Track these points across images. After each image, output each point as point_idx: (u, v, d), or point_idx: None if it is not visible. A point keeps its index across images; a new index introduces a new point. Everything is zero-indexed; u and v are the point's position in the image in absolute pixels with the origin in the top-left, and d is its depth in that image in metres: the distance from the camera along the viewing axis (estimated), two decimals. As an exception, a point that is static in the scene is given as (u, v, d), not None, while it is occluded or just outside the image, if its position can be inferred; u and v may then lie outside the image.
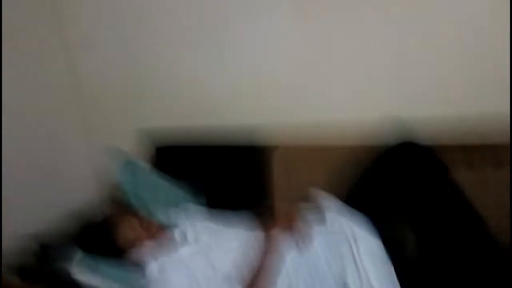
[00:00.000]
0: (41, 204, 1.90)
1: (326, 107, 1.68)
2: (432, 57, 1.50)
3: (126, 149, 1.72)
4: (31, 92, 1.93)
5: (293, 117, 1.73)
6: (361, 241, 1.32)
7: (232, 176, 1.74)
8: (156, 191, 1.66)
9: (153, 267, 1.35)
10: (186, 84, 1.91)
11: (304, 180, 1.60)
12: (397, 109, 1.55)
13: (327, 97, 1.67)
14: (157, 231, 1.40)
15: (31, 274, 1.50)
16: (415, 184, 1.33)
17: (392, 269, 1.26)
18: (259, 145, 1.72)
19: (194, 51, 1.84)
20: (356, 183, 1.49)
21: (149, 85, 1.99)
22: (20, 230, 1.73)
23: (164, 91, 1.96)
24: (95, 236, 1.40)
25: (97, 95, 2.12)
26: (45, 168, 1.96)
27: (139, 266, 1.37)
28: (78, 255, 1.38)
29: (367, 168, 1.47)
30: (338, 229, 1.38)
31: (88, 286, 1.34)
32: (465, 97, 1.49)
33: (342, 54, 1.61)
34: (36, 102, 1.95)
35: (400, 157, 1.39)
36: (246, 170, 1.72)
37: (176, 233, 1.50)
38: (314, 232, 1.36)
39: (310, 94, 1.69)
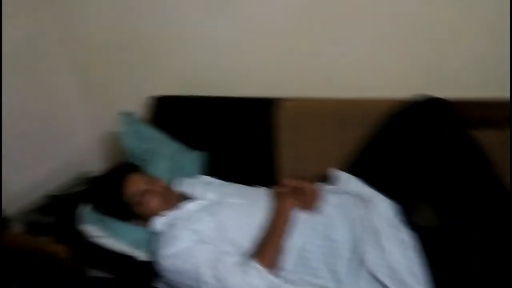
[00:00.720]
0: (43, 157, 1.82)
1: (339, 58, 1.58)
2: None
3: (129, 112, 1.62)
4: (30, 48, 1.77)
5: (304, 68, 1.63)
6: (376, 205, 1.28)
7: (237, 131, 1.66)
8: (158, 146, 1.58)
9: (160, 223, 1.29)
10: (194, 46, 1.74)
11: (313, 136, 1.54)
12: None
13: (341, 50, 1.57)
14: (163, 188, 1.33)
15: (35, 225, 1.45)
16: (433, 141, 1.27)
17: (410, 235, 1.22)
18: (266, 98, 1.63)
19: (204, 12, 1.67)
20: (370, 140, 1.44)
21: (157, 48, 1.81)
22: (23, 183, 1.68)
23: (173, 55, 1.80)
24: (100, 191, 1.33)
25: (100, 59, 1.93)
26: (46, 124, 1.86)
27: (146, 222, 1.31)
28: (84, 207, 1.33)
29: (383, 124, 1.41)
30: (352, 192, 1.35)
31: (95, 238, 1.30)
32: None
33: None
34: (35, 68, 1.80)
35: (418, 111, 1.33)
36: (252, 125, 1.64)
37: (183, 189, 1.45)
38: (327, 195, 1.31)
39: (323, 44, 1.58)
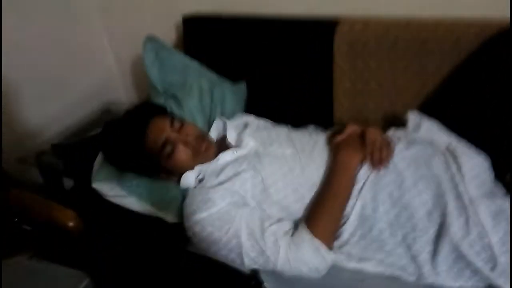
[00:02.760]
0: (61, 89, 1.55)
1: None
2: None
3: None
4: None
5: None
6: (463, 160, 0.99)
7: (285, 59, 1.33)
8: (189, 78, 1.30)
9: (190, 180, 1.06)
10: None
11: (380, 67, 1.22)
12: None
13: None
14: (195, 135, 1.07)
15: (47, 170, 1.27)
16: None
17: (506, 200, 0.94)
18: (322, 17, 1.28)
19: None
20: (455, 73, 1.11)
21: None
22: (40, 117, 1.46)
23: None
24: (116, 140, 1.06)
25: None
26: (63, 51, 1.55)
27: (174, 178, 1.09)
28: (98, 160, 1.12)
29: (473, 53, 1.08)
30: (431, 142, 1.05)
31: (112, 198, 1.10)
32: None
33: None
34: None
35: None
36: (303, 51, 1.31)
37: (219, 134, 1.20)
38: (399, 146, 1.03)
39: None
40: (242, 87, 1.39)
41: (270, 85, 1.39)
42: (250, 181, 1.01)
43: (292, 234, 0.95)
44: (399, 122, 1.16)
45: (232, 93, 1.35)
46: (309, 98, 1.33)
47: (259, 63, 1.37)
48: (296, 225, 0.98)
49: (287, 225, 0.98)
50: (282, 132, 1.15)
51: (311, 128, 1.25)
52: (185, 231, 1.01)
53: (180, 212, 1.06)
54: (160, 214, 1.09)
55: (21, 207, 1.05)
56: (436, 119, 1.10)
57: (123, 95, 1.78)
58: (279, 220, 0.98)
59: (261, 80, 1.39)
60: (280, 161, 1.04)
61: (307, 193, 1.00)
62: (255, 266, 0.95)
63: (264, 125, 1.22)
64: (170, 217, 1.09)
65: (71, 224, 1.01)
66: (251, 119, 1.26)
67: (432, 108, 1.15)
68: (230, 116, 1.31)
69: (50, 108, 1.50)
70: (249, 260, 0.93)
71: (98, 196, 1.08)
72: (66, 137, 1.42)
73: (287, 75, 1.34)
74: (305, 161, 1.03)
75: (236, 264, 0.95)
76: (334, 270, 0.95)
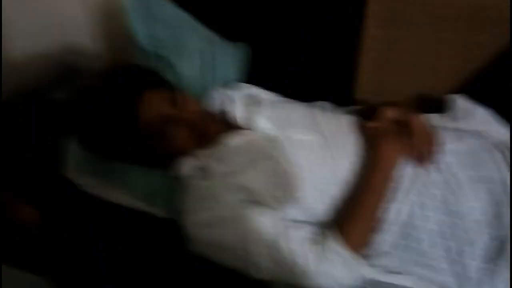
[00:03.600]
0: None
1: None
2: None
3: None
4: None
5: None
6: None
7: (298, 16, 1.09)
8: (181, 32, 1.04)
9: (189, 168, 0.84)
10: None
11: (420, 38, 1.01)
12: None
13: None
14: (197, 112, 0.84)
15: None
16: None
17: None
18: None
19: None
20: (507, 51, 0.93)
21: None
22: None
23: None
24: (98, 116, 0.79)
25: None
26: None
27: (169, 162, 0.86)
28: (69, 140, 0.87)
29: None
30: (484, 137, 0.88)
31: (89, 189, 0.86)
32: None
33: None
34: None
35: None
36: (321, 10, 1.07)
37: (222, 109, 0.97)
38: (448, 140, 0.84)
39: None
40: (244, 50, 1.15)
41: (277, 48, 1.14)
42: (268, 176, 0.80)
43: (319, 242, 0.77)
44: (435, 106, 0.97)
45: (233, 56, 1.11)
46: (327, 67, 1.10)
47: (265, 20, 1.12)
48: (321, 230, 0.80)
49: (312, 231, 0.79)
50: (304, 112, 0.93)
51: (321, 105, 1.05)
52: (181, 230, 0.80)
53: (171, 206, 0.85)
54: (147, 208, 0.87)
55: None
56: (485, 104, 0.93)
57: (90, 44, 1.41)
58: (302, 226, 0.79)
59: (267, 42, 1.14)
60: (305, 151, 0.83)
61: (336, 192, 0.81)
62: (269, 278, 0.77)
63: (278, 102, 0.99)
64: (159, 212, 0.87)
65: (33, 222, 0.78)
66: (259, 92, 1.03)
67: (477, 92, 0.97)
68: (229, 84, 1.07)
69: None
70: (262, 270, 0.75)
71: (68, 186, 0.83)
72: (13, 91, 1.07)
73: (299, 37, 1.11)
74: (336, 152, 0.83)
75: (245, 273, 0.77)
76: (365, 282, 0.78)
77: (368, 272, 0.77)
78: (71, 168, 0.82)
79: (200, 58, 1.03)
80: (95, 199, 0.84)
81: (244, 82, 1.10)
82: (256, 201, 0.79)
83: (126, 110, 0.77)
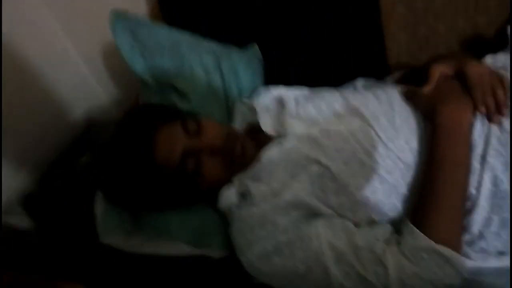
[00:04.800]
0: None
1: None
2: None
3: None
4: None
5: None
6: None
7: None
8: (181, 54, 0.94)
9: (227, 197, 0.74)
10: None
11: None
12: None
13: None
14: (218, 134, 0.74)
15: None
16: None
17: None
18: None
19: None
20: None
21: None
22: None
23: None
24: (117, 170, 0.72)
25: None
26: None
27: (201, 198, 0.78)
28: (99, 204, 0.80)
29: None
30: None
31: (132, 248, 0.78)
32: None
33: None
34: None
35: None
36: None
37: (243, 125, 0.87)
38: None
39: None
40: (254, 52, 1.04)
41: (289, 39, 1.03)
42: (316, 182, 0.69)
43: (397, 243, 0.65)
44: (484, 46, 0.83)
45: (244, 62, 1.01)
46: (350, 41, 0.97)
47: (270, 12, 1.01)
48: (396, 228, 0.68)
49: (385, 231, 0.67)
50: (333, 98, 0.81)
51: (360, 82, 0.93)
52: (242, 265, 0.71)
53: (228, 242, 0.75)
54: (202, 251, 0.79)
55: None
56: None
57: (105, 99, 1.35)
58: (371, 226, 0.68)
59: (277, 36, 1.03)
60: (349, 142, 0.71)
61: (401, 180, 0.69)
62: None
63: (304, 96, 0.88)
64: (216, 252, 0.78)
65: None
66: (282, 91, 0.92)
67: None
68: (249, 94, 0.97)
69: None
70: None
71: (112, 253, 0.76)
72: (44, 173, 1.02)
73: (311, 19, 0.99)
74: (386, 135, 0.71)
75: None
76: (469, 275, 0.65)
77: (469, 263, 0.64)
78: (107, 233, 0.75)
79: (210, 75, 0.94)
80: (143, 258, 0.77)
81: (263, 85, 1.01)
82: (314, 213, 0.69)
83: (141, 154, 0.69)
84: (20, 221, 0.86)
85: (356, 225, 0.69)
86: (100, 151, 0.78)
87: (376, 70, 0.92)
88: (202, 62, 0.94)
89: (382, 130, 0.71)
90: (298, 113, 0.79)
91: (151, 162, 0.69)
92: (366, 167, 0.69)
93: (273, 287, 0.69)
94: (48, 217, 0.85)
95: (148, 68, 0.92)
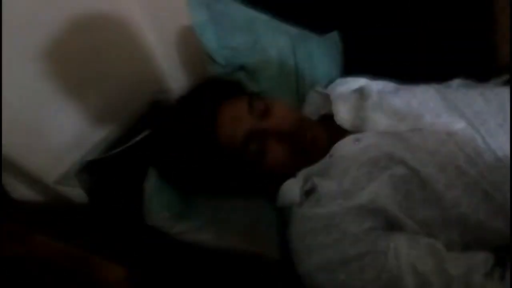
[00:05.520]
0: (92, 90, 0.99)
1: None
2: None
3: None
4: None
5: None
6: None
7: None
8: (256, 34, 0.87)
9: (290, 191, 0.65)
10: None
11: None
12: None
13: None
14: (287, 118, 0.65)
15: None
16: None
17: None
18: None
19: None
20: None
21: None
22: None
23: None
24: (174, 143, 0.66)
25: None
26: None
27: (260, 189, 0.69)
28: (149, 181, 0.73)
29: None
30: None
31: (179, 236, 0.70)
32: None
33: None
34: None
35: None
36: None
37: (315, 115, 0.77)
38: None
39: None
40: (334, 40, 0.95)
41: (376, 28, 0.92)
42: (400, 188, 0.58)
43: (501, 278, 0.51)
44: None
45: (322, 50, 0.92)
46: (453, 33, 0.84)
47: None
48: (499, 257, 0.54)
49: (486, 261, 0.54)
50: (427, 94, 0.69)
51: (457, 82, 0.80)
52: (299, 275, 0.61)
53: (283, 244, 0.65)
54: (254, 248, 0.69)
55: (49, 262, 0.69)
56: None
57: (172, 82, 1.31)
58: (466, 252, 0.55)
59: (362, 22, 0.93)
60: (445, 145, 0.59)
61: (508, 197, 0.55)
62: None
63: (390, 90, 0.76)
64: (271, 253, 0.68)
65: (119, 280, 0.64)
66: (363, 82, 0.81)
67: None
68: (325, 83, 0.88)
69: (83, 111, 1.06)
70: None
71: (156, 236, 0.69)
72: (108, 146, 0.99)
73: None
74: (494, 141, 0.58)
75: None
76: None
77: None
78: (154, 214, 0.68)
79: (283, 59, 0.86)
80: (189, 246, 0.69)
81: (340, 75, 0.91)
82: (393, 225, 0.57)
83: (201, 129, 0.62)
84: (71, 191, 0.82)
85: (447, 248, 0.56)
86: (160, 123, 0.71)
87: (481, 71, 0.78)
88: (276, 43, 0.87)
89: (490, 135, 0.58)
90: (382, 107, 0.68)
91: (211, 139, 0.62)
92: (467, 178, 0.57)
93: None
94: (98, 191, 0.80)
95: (219, 44, 0.85)
